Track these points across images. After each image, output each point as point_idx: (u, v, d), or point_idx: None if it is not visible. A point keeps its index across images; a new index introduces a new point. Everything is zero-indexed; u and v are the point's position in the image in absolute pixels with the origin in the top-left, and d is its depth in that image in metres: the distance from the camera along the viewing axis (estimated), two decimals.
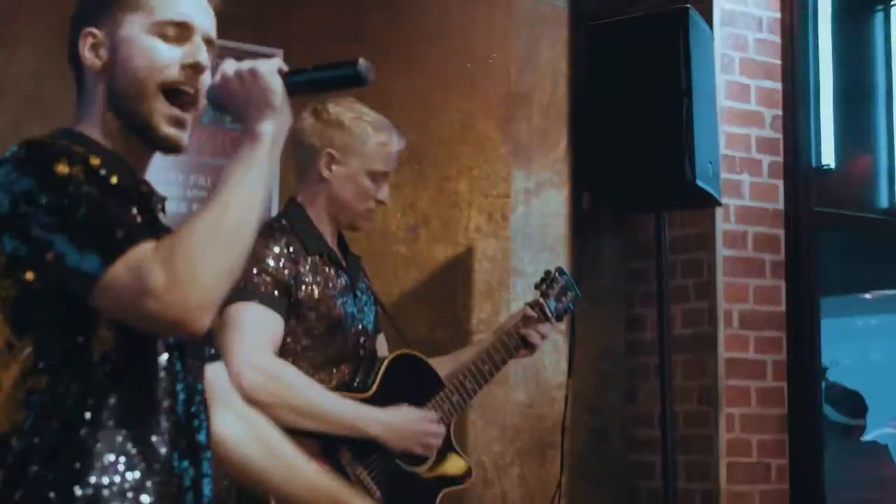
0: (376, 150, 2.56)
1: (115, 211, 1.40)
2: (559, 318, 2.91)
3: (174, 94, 1.56)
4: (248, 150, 1.45)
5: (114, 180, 1.45)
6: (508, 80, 4.00)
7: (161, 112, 1.54)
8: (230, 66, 1.49)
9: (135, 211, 1.48)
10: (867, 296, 6.71)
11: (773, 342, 3.93)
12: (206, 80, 1.57)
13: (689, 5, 3.56)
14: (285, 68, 1.49)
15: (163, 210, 1.62)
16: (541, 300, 2.85)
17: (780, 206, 4.05)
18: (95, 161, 1.45)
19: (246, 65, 1.48)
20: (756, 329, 3.90)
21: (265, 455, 1.79)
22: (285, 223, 2.50)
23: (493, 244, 3.86)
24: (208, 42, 1.59)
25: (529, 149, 4.00)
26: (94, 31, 1.58)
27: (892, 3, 4.70)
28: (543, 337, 2.81)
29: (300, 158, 2.59)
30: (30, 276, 1.41)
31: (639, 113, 3.51)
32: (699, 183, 3.44)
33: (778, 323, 3.95)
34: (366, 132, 2.55)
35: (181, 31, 1.56)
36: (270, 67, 1.48)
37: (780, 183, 4.06)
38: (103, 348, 1.43)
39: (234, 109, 1.49)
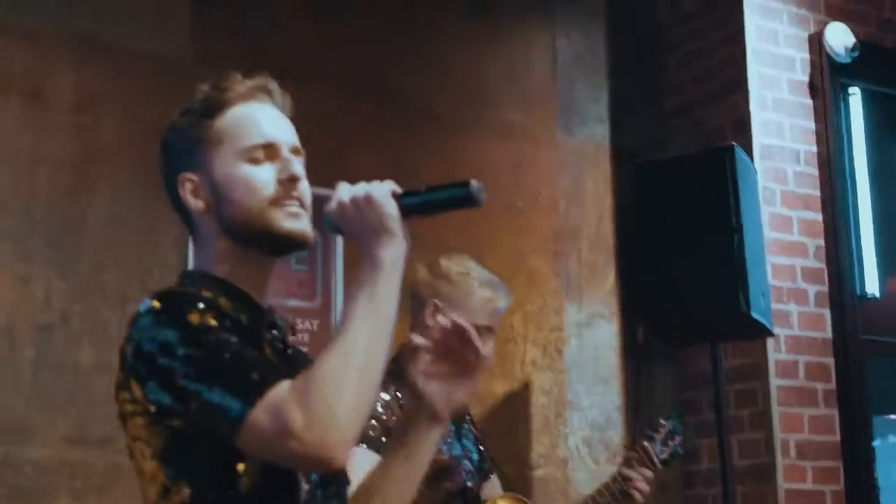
0: (481, 305, 2.59)
1: (248, 353, 1.43)
2: (665, 464, 2.89)
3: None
4: (369, 278, 1.46)
5: (243, 320, 1.51)
6: (557, 215, 4.09)
7: (276, 216, 1.57)
8: (346, 192, 1.49)
9: (267, 349, 1.52)
10: (892, 416, 6.69)
11: (830, 472, 3.93)
12: (304, 188, 1.59)
13: (734, 143, 3.67)
14: (399, 191, 1.50)
15: (293, 332, 1.65)
16: (646, 444, 2.85)
17: (829, 335, 4.09)
18: (225, 304, 1.51)
19: (361, 190, 1.48)
20: (812, 459, 3.89)
21: None
22: (395, 368, 2.53)
23: (548, 377, 3.89)
24: (296, 151, 1.62)
25: (580, 282, 4.07)
26: (190, 175, 1.61)
27: None
28: (647, 484, 2.79)
29: (412, 307, 2.64)
30: (177, 422, 1.44)
31: (689, 247, 3.58)
32: (754, 315, 3.49)
33: (833, 452, 3.96)
34: (472, 287, 2.59)
35: (268, 152, 1.58)
36: (384, 191, 1.48)
37: (826, 312, 4.11)
38: (249, 484, 1.46)
39: (351, 233, 1.50)
